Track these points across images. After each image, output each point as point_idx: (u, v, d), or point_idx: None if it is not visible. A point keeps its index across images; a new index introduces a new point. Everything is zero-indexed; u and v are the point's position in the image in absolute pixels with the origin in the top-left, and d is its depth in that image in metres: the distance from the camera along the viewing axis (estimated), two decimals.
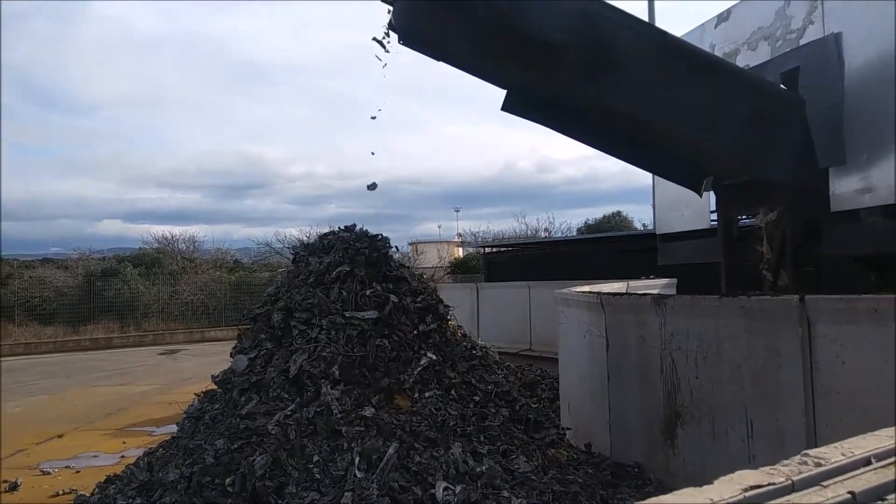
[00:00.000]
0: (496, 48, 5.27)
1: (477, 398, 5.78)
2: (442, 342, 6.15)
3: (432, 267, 30.90)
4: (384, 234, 6.78)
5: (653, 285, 10.01)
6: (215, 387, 5.99)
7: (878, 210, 5.60)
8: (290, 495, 4.59)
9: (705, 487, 1.03)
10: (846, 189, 5.86)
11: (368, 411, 5.18)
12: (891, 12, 5.42)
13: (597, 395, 6.01)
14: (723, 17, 7.95)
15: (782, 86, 6.38)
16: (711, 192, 7.22)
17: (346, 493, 4.50)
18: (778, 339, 4.25)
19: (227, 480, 4.73)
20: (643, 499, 1.04)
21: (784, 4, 6.85)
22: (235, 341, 6.52)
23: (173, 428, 6.56)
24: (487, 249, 27.22)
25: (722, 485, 1.04)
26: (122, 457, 7.93)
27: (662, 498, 1.04)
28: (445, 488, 4.60)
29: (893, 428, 1.37)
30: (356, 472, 4.68)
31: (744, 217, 7.34)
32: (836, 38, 5.93)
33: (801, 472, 1.10)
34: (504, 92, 5.82)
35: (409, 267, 7.30)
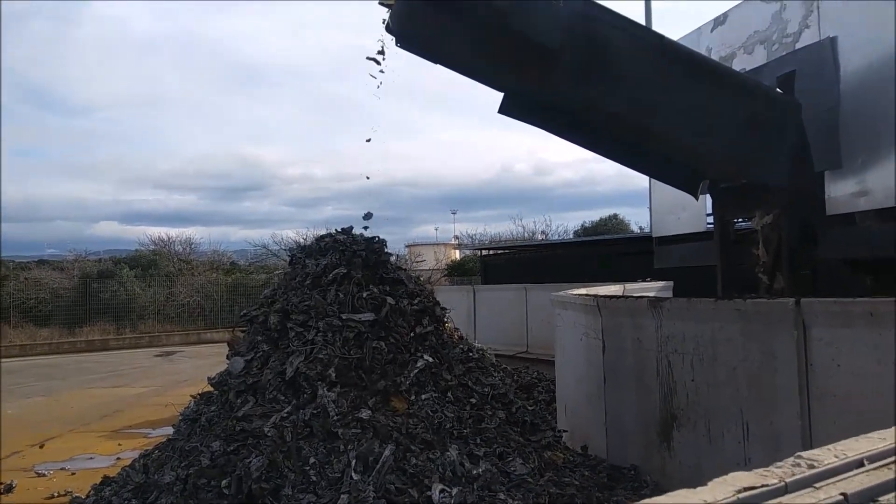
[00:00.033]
0: (492, 50, 5.29)
1: (473, 400, 5.78)
2: (438, 344, 6.15)
3: (429, 269, 30.90)
4: (381, 236, 6.79)
5: (649, 288, 10.03)
6: (211, 389, 5.98)
7: (873, 214, 5.63)
8: (286, 497, 4.59)
9: (699, 489, 1.04)
10: (842, 193, 5.89)
11: (365, 413, 5.18)
12: (886, 16, 5.45)
13: (593, 397, 6.02)
14: (719, 21, 7.99)
15: (778, 90, 6.41)
16: (708, 196, 7.25)
17: (342, 496, 4.50)
18: (773, 342, 4.26)
19: (223, 482, 4.72)
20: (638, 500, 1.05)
21: (780, 8, 6.88)
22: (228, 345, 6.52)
23: (169, 430, 6.55)
24: (484, 252, 27.23)
25: (716, 486, 1.04)
26: (118, 459, 7.90)
27: (656, 499, 1.05)
28: (442, 490, 4.60)
29: (888, 430, 1.37)
30: (352, 474, 4.67)
31: (740, 220, 7.37)
32: (832, 42, 5.96)
33: (794, 474, 1.11)
34: (501, 95, 5.84)
35: (405, 269, 7.30)
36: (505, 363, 9.19)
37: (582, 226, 37.83)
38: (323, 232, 7.54)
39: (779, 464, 1.15)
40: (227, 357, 6.22)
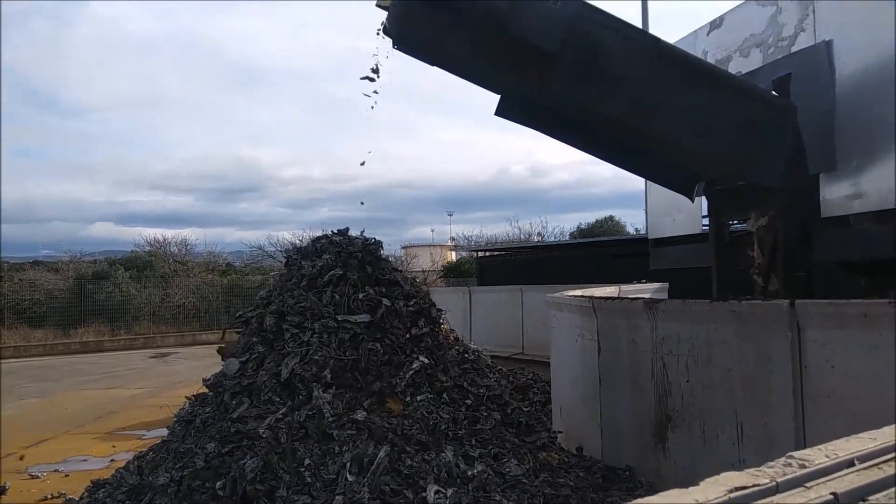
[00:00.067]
0: (489, 52, 5.30)
1: (469, 402, 5.78)
2: (434, 346, 6.15)
3: (425, 271, 30.90)
4: (376, 238, 6.78)
5: (645, 289, 10.04)
6: (206, 390, 5.97)
7: (867, 216, 5.66)
8: (280, 499, 4.58)
9: (691, 489, 1.04)
10: (836, 195, 5.91)
11: (360, 415, 5.17)
12: (881, 20, 5.48)
13: (588, 398, 6.03)
14: (715, 24, 8.02)
15: (774, 92, 6.44)
16: (703, 198, 7.27)
17: (337, 497, 4.50)
18: (768, 344, 4.27)
19: (218, 484, 4.71)
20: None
21: (776, 11, 6.91)
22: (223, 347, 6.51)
23: (164, 431, 6.53)
24: (480, 253, 27.25)
25: (707, 486, 1.05)
26: (112, 460, 7.87)
27: (649, 499, 1.05)
28: (437, 492, 4.60)
29: (878, 430, 1.38)
30: (347, 475, 4.67)
31: (735, 222, 7.40)
32: (828, 46, 5.99)
33: (785, 474, 1.12)
34: (498, 97, 5.85)
35: (401, 271, 7.30)
36: (500, 364, 9.20)
37: (578, 227, 37.91)
38: (319, 233, 7.53)
39: (770, 464, 1.16)
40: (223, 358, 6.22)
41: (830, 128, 5.86)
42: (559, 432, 6.29)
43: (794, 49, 6.56)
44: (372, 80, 5.75)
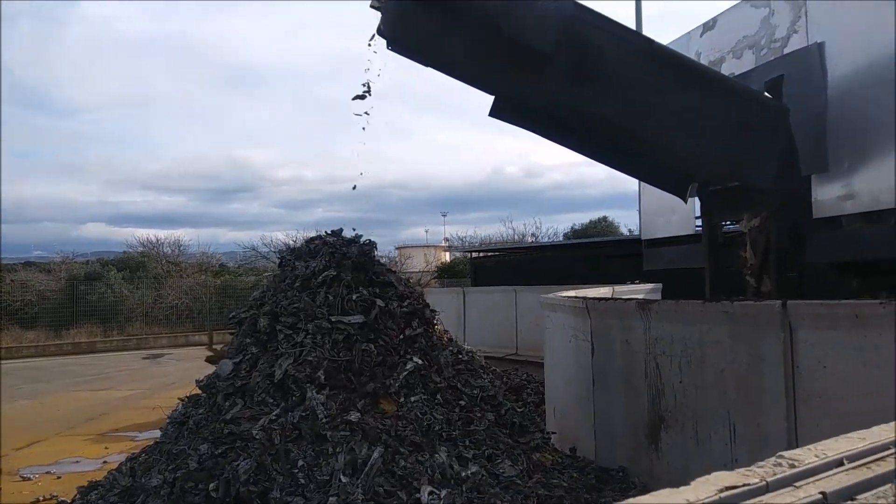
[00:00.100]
0: (483, 53, 5.31)
1: (462, 402, 5.78)
2: (428, 347, 6.15)
3: (419, 271, 30.91)
4: (371, 238, 6.78)
5: (638, 290, 10.07)
6: (199, 391, 5.96)
7: (859, 217, 5.69)
8: (274, 500, 4.57)
9: (682, 488, 1.05)
10: (828, 196, 5.95)
11: (354, 416, 5.17)
12: (874, 22, 5.52)
13: (582, 399, 6.04)
14: (708, 26, 8.05)
15: (767, 94, 6.47)
16: (696, 199, 7.30)
17: (330, 499, 4.49)
18: (761, 345, 4.29)
19: (211, 486, 4.70)
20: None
21: (769, 13, 6.95)
22: (219, 346, 6.49)
23: (156, 433, 6.51)
24: (474, 254, 27.24)
25: (698, 486, 1.05)
26: (105, 462, 7.84)
27: (640, 499, 1.06)
28: (430, 493, 4.60)
29: (867, 430, 1.39)
30: (341, 476, 4.66)
31: (728, 223, 7.43)
32: (820, 48, 6.02)
33: (775, 474, 1.13)
34: (492, 98, 5.86)
35: (395, 271, 7.30)
36: (494, 365, 9.19)
37: (572, 228, 37.93)
38: (313, 234, 7.52)
39: (760, 463, 1.17)
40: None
41: (822, 129, 5.89)
42: (553, 433, 6.31)
43: (786, 51, 6.60)
44: (363, 97, 5.77)
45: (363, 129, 5.89)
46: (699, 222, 7.82)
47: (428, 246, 43.09)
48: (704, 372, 4.70)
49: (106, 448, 8.75)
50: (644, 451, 5.22)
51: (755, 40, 7.15)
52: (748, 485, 1.08)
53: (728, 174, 6.27)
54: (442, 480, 4.79)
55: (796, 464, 1.17)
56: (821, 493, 1.05)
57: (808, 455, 1.22)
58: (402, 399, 5.52)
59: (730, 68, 7.38)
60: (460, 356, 6.47)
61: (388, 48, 5.41)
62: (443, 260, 36.81)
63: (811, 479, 1.12)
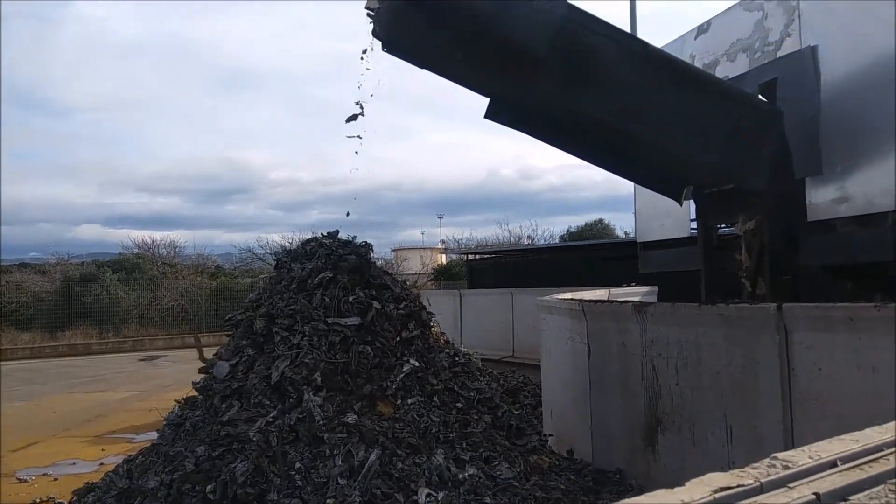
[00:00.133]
0: (477, 55, 5.33)
1: (459, 405, 5.79)
2: (425, 349, 6.16)
3: (415, 273, 30.92)
4: (367, 240, 6.80)
5: (634, 293, 10.10)
6: (196, 393, 5.96)
7: (852, 220, 5.72)
8: (271, 502, 4.58)
9: (677, 489, 1.06)
10: (822, 199, 5.97)
11: (351, 418, 5.18)
12: (866, 26, 5.55)
13: (579, 401, 6.05)
14: (702, 29, 8.08)
15: (761, 97, 6.50)
16: (691, 201, 7.33)
17: (328, 501, 4.50)
18: (756, 347, 4.31)
19: (208, 488, 4.70)
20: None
21: (762, 17, 6.98)
22: (217, 347, 6.50)
23: (153, 435, 6.50)
24: (470, 256, 27.26)
25: (693, 487, 1.07)
26: (101, 464, 7.83)
27: (636, 499, 1.07)
28: (428, 495, 4.61)
29: (860, 432, 1.41)
30: (338, 478, 4.67)
31: (723, 226, 7.46)
32: (813, 51, 6.05)
33: (769, 475, 1.14)
34: (487, 100, 5.87)
35: (392, 273, 7.31)
36: (491, 367, 9.22)
37: (568, 230, 37.99)
38: (309, 236, 7.53)
39: (755, 465, 1.18)
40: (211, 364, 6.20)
41: (816, 132, 5.92)
42: (550, 435, 6.32)
43: (780, 54, 6.63)
44: (355, 118, 5.80)
45: (356, 153, 5.92)
46: (694, 225, 7.85)
47: (424, 248, 43.15)
48: (700, 374, 4.72)
49: (102, 450, 8.73)
50: (641, 453, 5.24)
51: (749, 43, 7.18)
52: (742, 485, 1.09)
53: (722, 177, 6.29)
54: (439, 482, 4.80)
55: (790, 465, 1.19)
56: (814, 493, 1.07)
57: (801, 456, 1.23)
58: (398, 401, 5.53)
59: (724, 71, 7.41)
60: (457, 358, 6.49)
61: (383, 50, 5.43)
62: (439, 262, 36.84)
63: (805, 480, 1.14)
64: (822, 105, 5.90)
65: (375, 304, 6.07)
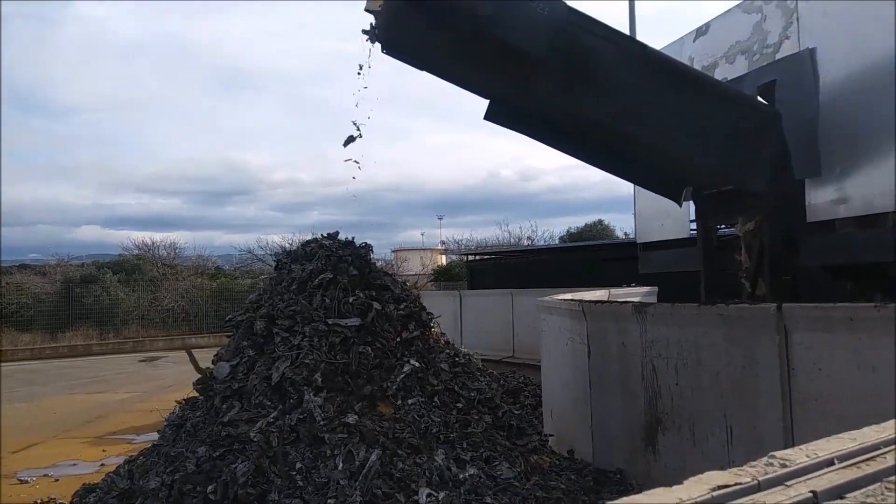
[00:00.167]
0: (476, 56, 5.35)
1: (460, 405, 5.81)
2: (425, 349, 6.17)
3: (415, 274, 30.93)
4: (367, 241, 6.81)
5: (634, 293, 10.11)
6: (197, 394, 5.97)
7: (852, 221, 5.74)
8: (272, 503, 4.59)
9: (675, 487, 1.07)
10: (821, 200, 5.99)
11: (351, 418, 5.19)
12: (864, 28, 5.57)
13: (579, 401, 6.06)
14: (701, 31, 8.10)
15: (759, 99, 6.52)
16: (691, 202, 7.34)
17: (329, 501, 4.51)
18: (756, 347, 4.32)
19: (209, 488, 4.71)
20: None
21: (761, 19, 7.00)
22: (217, 348, 6.51)
23: (154, 436, 6.51)
24: (470, 257, 27.27)
25: (691, 485, 1.08)
26: (102, 465, 7.84)
27: (634, 497, 1.08)
28: (429, 495, 4.62)
29: (857, 431, 1.43)
30: (339, 479, 4.68)
31: (723, 226, 7.47)
32: (811, 53, 6.07)
33: (766, 473, 1.16)
34: (487, 101, 5.89)
35: (392, 274, 7.32)
36: (491, 368, 9.22)
37: (567, 231, 38.02)
38: (309, 237, 7.54)
39: (752, 463, 1.20)
40: (213, 362, 6.21)
41: (815, 134, 5.94)
42: (550, 435, 6.33)
43: (778, 56, 6.64)
44: (353, 140, 5.82)
45: (353, 178, 5.95)
46: (694, 226, 7.87)
47: (424, 249, 43.16)
48: (700, 374, 4.74)
49: (103, 451, 8.74)
50: (641, 453, 5.25)
51: (748, 45, 7.20)
52: (740, 484, 1.11)
53: (722, 178, 6.31)
54: (440, 482, 4.81)
55: (788, 463, 1.20)
56: (811, 491, 1.08)
57: (799, 455, 1.25)
58: (399, 401, 5.54)
59: (723, 73, 7.43)
60: (457, 359, 6.50)
61: (382, 51, 5.44)
62: (439, 263, 36.86)
63: (802, 479, 1.15)
64: (820, 107, 5.92)
65: (376, 305, 6.08)
